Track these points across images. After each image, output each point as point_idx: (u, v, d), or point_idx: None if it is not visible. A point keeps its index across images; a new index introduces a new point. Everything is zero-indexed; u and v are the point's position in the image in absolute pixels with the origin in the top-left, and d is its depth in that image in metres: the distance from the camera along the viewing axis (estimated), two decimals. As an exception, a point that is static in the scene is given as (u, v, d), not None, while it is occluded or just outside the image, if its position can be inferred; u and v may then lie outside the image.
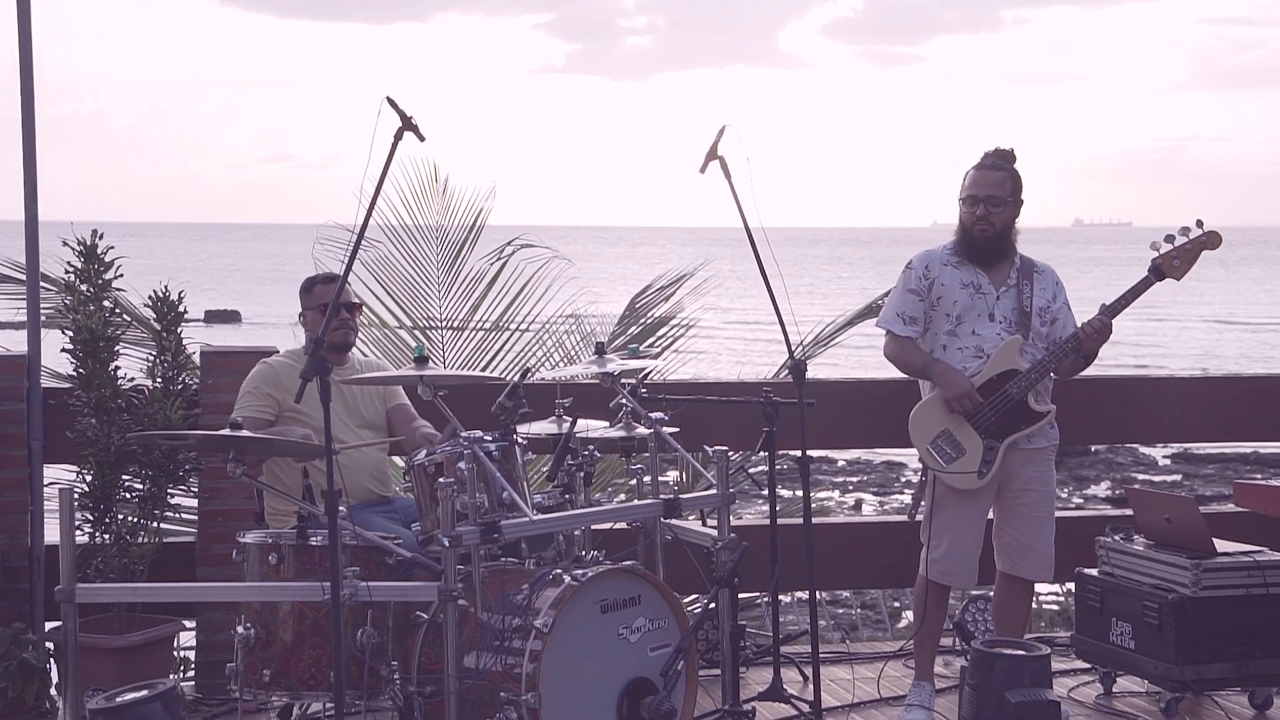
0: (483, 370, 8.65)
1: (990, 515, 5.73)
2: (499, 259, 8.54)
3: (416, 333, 8.43)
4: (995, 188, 5.67)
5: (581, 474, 5.45)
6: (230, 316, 52.62)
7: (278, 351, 6.46)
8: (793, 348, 5.43)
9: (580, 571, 4.83)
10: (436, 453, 5.04)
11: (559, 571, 4.87)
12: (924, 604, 5.75)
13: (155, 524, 6.02)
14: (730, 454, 5.33)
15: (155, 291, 6.14)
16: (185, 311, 6.17)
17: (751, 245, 5.31)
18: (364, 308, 8.62)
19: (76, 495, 5.87)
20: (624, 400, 5.56)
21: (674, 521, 5.55)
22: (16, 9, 5.97)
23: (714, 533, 5.35)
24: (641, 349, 5.68)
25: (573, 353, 9.07)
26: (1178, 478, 22.51)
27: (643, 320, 9.29)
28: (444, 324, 8.51)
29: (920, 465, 5.72)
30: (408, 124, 4.60)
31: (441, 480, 4.73)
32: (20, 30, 5.98)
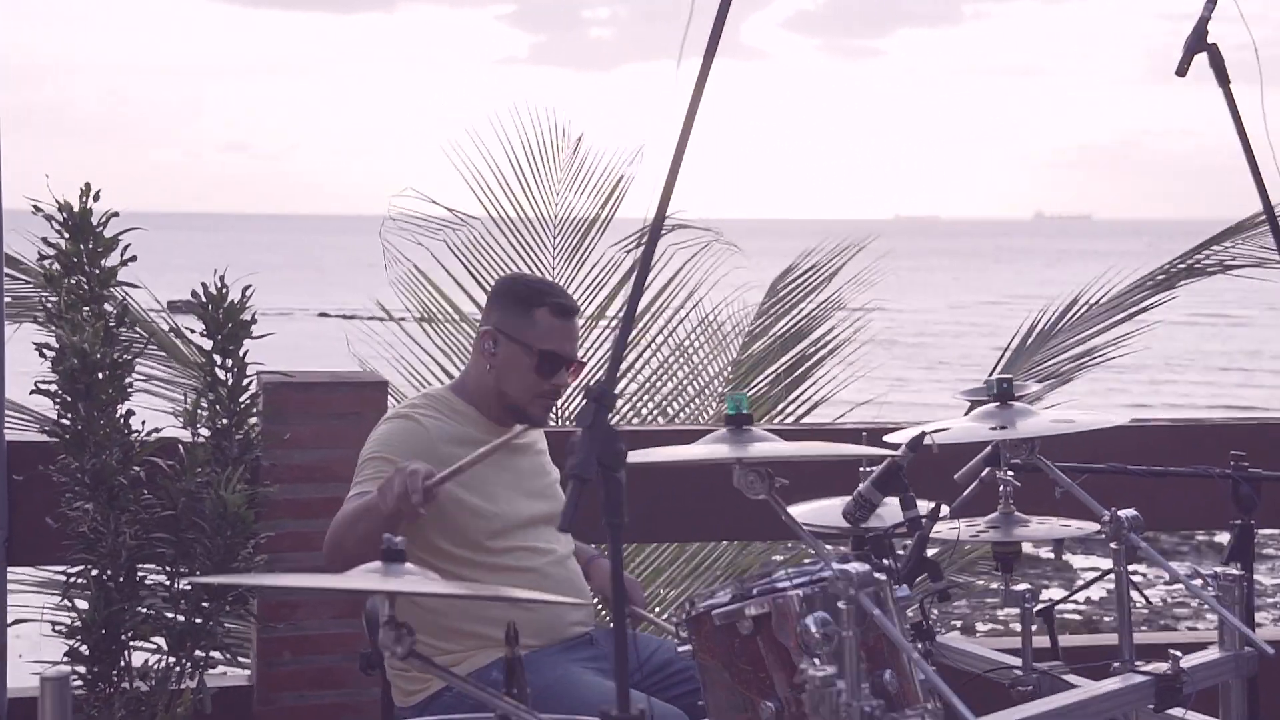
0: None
1: None
2: (638, 244, 6.18)
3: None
4: None
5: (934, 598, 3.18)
6: (192, 307, 49.72)
7: (384, 380, 4.16)
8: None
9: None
10: (753, 592, 2.71)
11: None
12: None
13: (197, 669, 3.65)
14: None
15: (205, 285, 3.74)
16: (254, 320, 3.79)
17: (1262, 197, 3.06)
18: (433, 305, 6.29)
19: (64, 629, 3.54)
20: (1008, 475, 3.24)
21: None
22: None
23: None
24: (1018, 381, 3.36)
25: (700, 366, 6.74)
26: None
27: (793, 315, 6.91)
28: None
29: None
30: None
31: (811, 672, 2.40)
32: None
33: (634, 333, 6.40)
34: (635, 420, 6.49)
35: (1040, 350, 6.67)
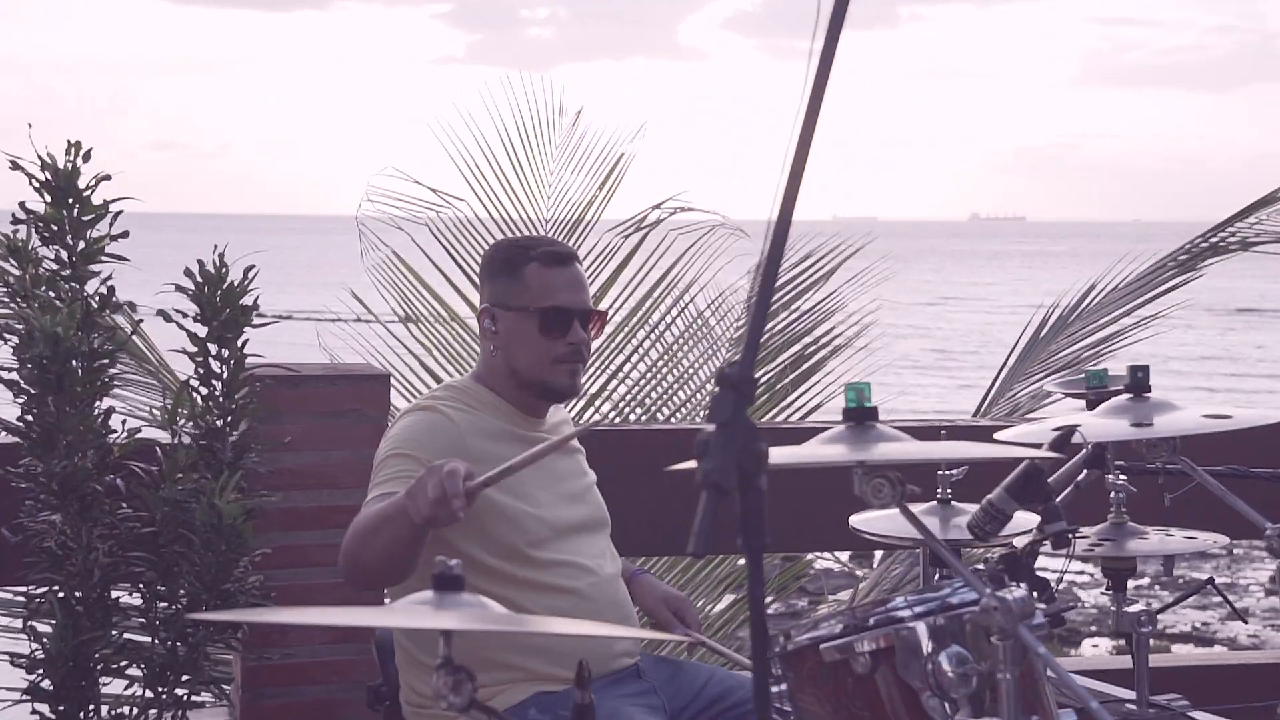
0: (594, 412, 5.84)
1: None
2: (639, 229, 5.71)
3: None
4: None
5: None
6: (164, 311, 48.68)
7: (386, 373, 3.73)
8: None
9: None
10: (870, 622, 2.28)
11: None
12: None
13: (179, 708, 3.17)
14: None
15: (201, 263, 3.24)
16: (257, 306, 3.29)
17: None
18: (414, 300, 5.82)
19: (25, 661, 3.06)
20: (1121, 481, 2.84)
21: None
22: None
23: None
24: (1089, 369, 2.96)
25: (689, 370, 6.30)
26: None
27: (787, 316, 6.49)
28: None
29: None
30: None
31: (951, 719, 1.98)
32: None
33: (624, 334, 5.99)
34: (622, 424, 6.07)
35: (1056, 340, 6.32)
